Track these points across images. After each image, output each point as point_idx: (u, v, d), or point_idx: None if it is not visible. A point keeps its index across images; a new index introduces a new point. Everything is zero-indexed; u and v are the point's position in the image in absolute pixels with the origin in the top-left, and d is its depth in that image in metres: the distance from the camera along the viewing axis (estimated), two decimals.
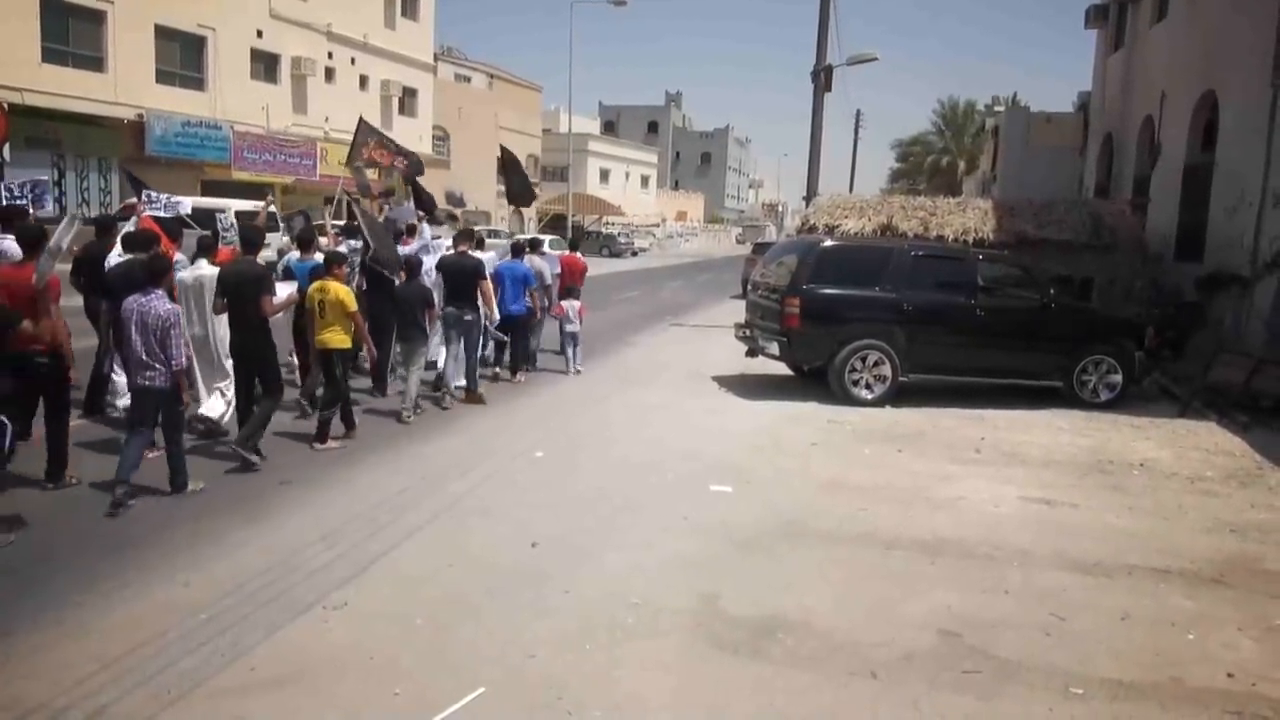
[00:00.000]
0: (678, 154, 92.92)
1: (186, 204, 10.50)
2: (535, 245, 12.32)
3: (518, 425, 8.86)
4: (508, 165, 14.73)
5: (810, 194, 18.89)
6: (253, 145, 27.35)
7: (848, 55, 21.23)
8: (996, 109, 39.82)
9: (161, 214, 9.34)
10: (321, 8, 30.36)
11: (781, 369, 11.53)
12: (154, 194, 9.72)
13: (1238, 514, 6.74)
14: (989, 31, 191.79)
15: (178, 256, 8.08)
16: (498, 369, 11.22)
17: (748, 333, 11.28)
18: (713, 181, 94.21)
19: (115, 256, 7.71)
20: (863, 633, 4.50)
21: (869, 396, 10.13)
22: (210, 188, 24.43)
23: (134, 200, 9.96)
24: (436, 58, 40.01)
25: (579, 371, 11.84)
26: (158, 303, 6.07)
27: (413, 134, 36.18)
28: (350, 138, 12.31)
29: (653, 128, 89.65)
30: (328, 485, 6.65)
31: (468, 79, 46.56)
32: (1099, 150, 22.05)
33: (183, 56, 26.06)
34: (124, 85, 23.55)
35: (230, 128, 26.50)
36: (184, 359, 6.25)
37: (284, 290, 7.67)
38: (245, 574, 4.93)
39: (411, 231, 10.67)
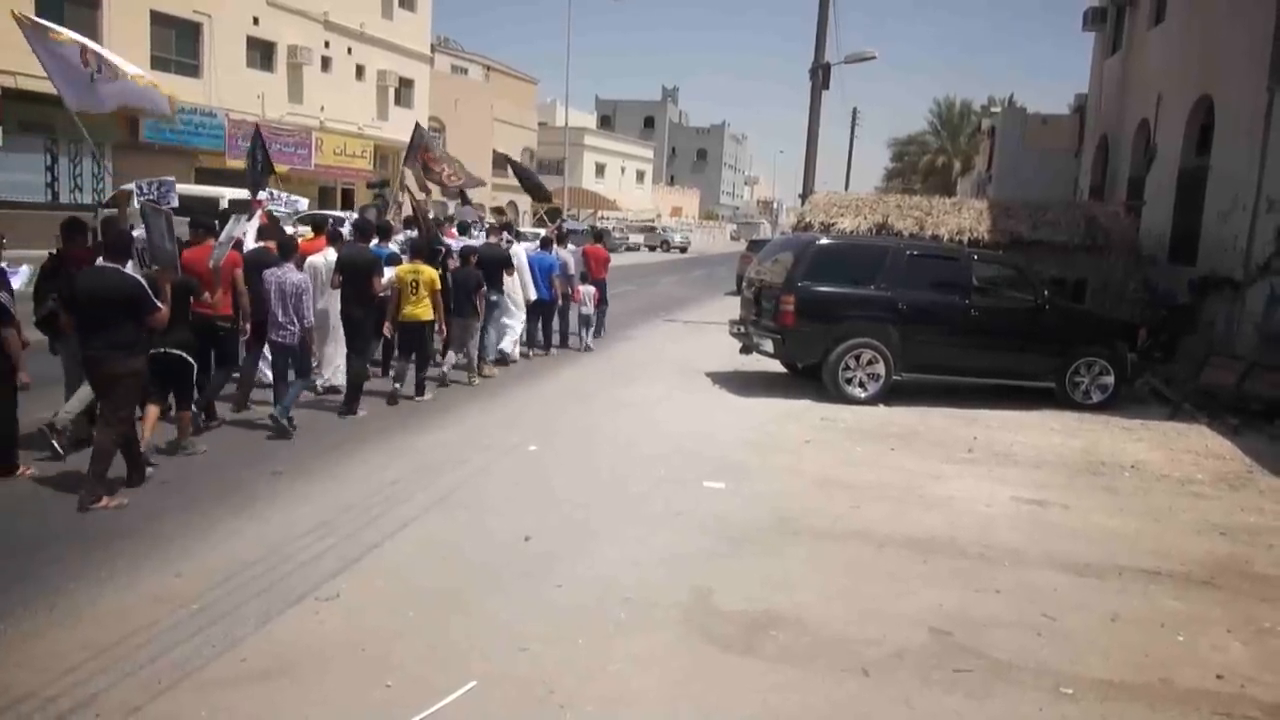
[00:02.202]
0: (674, 149, 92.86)
1: (303, 204, 12.32)
2: (561, 239, 13.82)
3: (511, 418, 8.85)
4: (518, 172, 16.32)
5: (806, 191, 18.89)
6: (247, 133, 27.12)
7: (846, 53, 21.21)
8: (993, 110, 39.82)
9: (282, 210, 10.82)
10: None
11: (775, 366, 11.55)
12: (275, 193, 11.20)
13: (1227, 516, 6.77)
14: (987, 32, 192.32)
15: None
16: (531, 350, 12.53)
17: (742, 329, 11.28)
18: (708, 177, 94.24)
19: (250, 243, 8.85)
20: (855, 630, 4.51)
21: (862, 395, 10.15)
22: (204, 175, 24.31)
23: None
24: (433, 49, 39.84)
25: (590, 349, 13.34)
26: (292, 274, 7.72)
27: (408, 125, 35.99)
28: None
29: (649, 123, 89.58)
30: (320, 476, 6.63)
31: (464, 71, 46.43)
32: (1094, 152, 22.08)
33: (178, 43, 25.90)
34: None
35: (225, 116, 26.37)
36: (312, 319, 7.85)
37: (388, 273, 9.10)
38: (237, 564, 4.91)
39: (465, 229, 12.17)
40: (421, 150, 13.35)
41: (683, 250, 52.07)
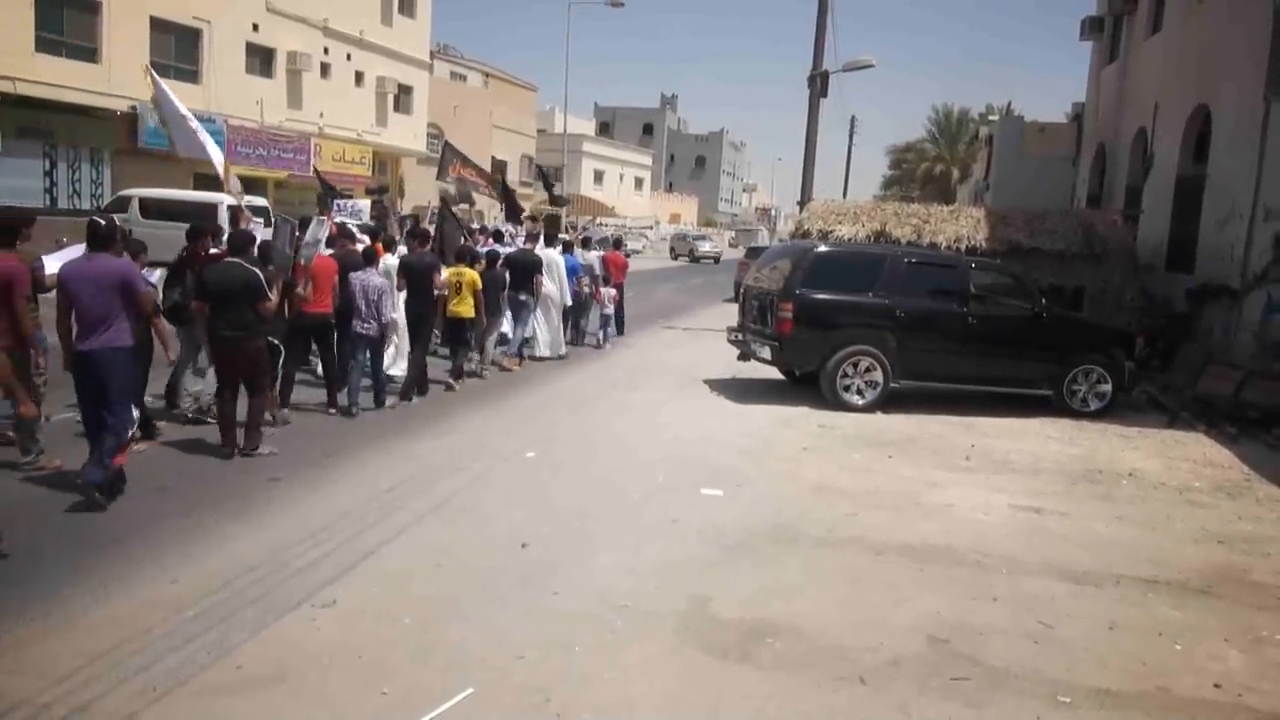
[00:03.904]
0: (672, 156, 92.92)
1: (365, 208, 13.97)
2: (586, 243, 15.20)
3: (509, 425, 8.85)
4: (543, 178, 17.62)
5: (804, 199, 18.91)
6: (246, 139, 27.15)
7: (844, 61, 21.29)
8: (990, 118, 39.95)
9: (348, 219, 12.13)
10: (318, 3, 30.17)
11: (772, 373, 11.55)
12: (342, 203, 12.94)
13: (1225, 525, 6.78)
14: (985, 40, 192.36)
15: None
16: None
17: (740, 336, 11.28)
18: (707, 184, 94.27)
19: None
20: (851, 638, 4.51)
21: (860, 402, 10.15)
22: (202, 181, 24.29)
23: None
24: (433, 55, 39.88)
25: (606, 347, 14.23)
26: (374, 277, 8.86)
27: (407, 131, 36.11)
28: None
29: (648, 130, 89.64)
30: (317, 483, 6.62)
31: (463, 77, 46.46)
32: (1092, 160, 22.12)
33: (177, 49, 25.88)
34: (118, 76, 23.34)
35: (224, 121, 26.33)
36: (391, 316, 9.07)
37: (444, 273, 10.14)
38: (233, 571, 4.90)
39: (499, 237, 13.62)
40: (458, 166, 14.43)
41: (715, 260, 46.67)
